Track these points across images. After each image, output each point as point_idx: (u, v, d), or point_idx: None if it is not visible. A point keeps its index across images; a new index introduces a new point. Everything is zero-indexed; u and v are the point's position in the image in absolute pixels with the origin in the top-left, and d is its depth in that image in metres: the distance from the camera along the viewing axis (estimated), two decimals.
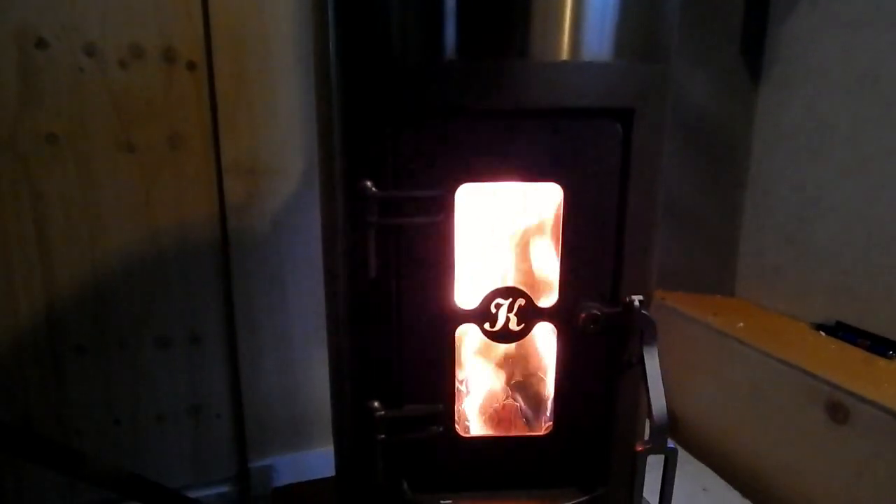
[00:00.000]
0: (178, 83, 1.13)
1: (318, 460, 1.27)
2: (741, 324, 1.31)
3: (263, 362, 1.27)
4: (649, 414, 0.65)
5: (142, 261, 1.17)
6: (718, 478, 1.25)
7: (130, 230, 1.15)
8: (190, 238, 1.19)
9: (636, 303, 0.67)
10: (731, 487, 1.23)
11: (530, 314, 0.69)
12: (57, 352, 1.14)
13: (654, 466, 0.69)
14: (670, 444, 0.67)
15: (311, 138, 1.22)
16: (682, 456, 1.33)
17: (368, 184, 0.64)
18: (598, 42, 0.64)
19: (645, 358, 0.66)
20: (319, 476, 1.24)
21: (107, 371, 1.17)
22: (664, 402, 0.65)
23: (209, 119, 1.16)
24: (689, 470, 1.28)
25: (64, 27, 1.05)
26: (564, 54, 0.64)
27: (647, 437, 0.67)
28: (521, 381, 0.80)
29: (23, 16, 1.03)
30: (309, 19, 0.79)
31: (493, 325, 0.68)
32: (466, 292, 0.70)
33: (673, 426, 1.42)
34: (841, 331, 1.25)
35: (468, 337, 0.77)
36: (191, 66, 1.14)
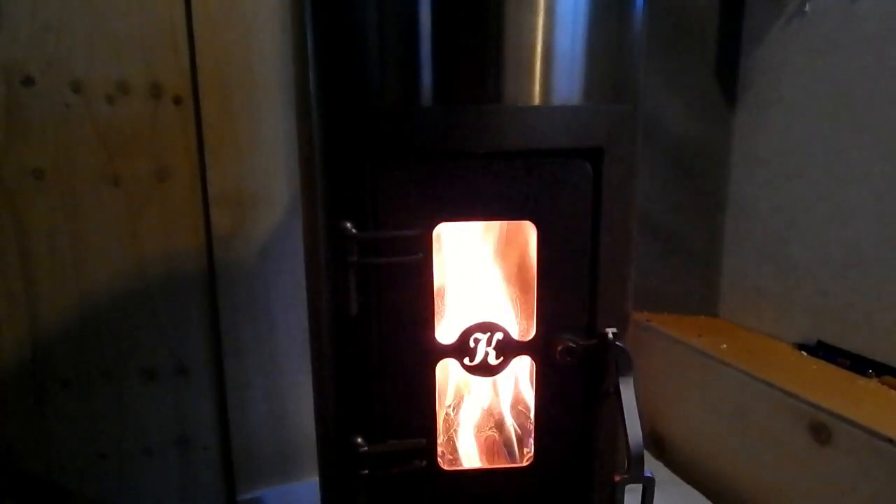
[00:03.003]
0: (165, 117, 1.15)
1: (307, 492, 1.26)
2: (724, 345, 1.33)
3: (251, 393, 1.27)
4: (626, 444, 0.66)
5: (128, 293, 1.17)
6: (705, 499, 1.26)
7: (116, 262, 1.15)
8: (176, 269, 1.20)
9: (610, 335, 0.68)
10: None
11: (508, 348, 0.70)
12: (41, 385, 1.13)
13: (638, 492, 0.70)
14: (647, 472, 0.68)
15: (297, 170, 1.24)
16: (669, 478, 1.33)
17: (348, 224, 0.66)
18: (568, 87, 0.67)
19: (621, 389, 0.67)
20: None
21: (92, 404, 1.17)
22: (640, 432, 0.66)
23: (195, 152, 1.18)
24: (676, 492, 1.28)
25: (50, 64, 1.07)
26: (536, 99, 0.66)
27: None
28: (501, 413, 0.81)
29: (10, 53, 1.04)
30: (292, 58, 0.81)
31: (471, 360, 0.70)
32: (446, 327, 0.72)
33: (659, 447, 1.42)
34: (822, 350, 1.27)
35: (449, 371, 0.78)
36: (177, 100, 1.15)
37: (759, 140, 1.40)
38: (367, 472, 0.69)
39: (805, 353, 1.29)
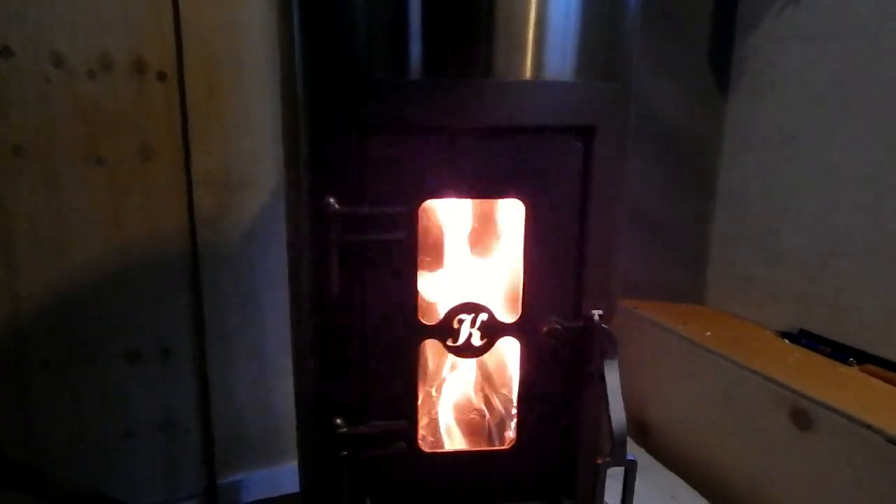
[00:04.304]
0: (149, 94, 1.12)
1: (289, 475, 1.26)
2: (709, 332, 1.34)
3: (235, 376, 1.26)
4: (609, 427, 0.66)
5: (110, 274, 1.15)
6: (687, 486, 1.27)
7: (99, 243, 1.13)
8: (160, 251, 1.18)
9: (596, 317, 0.68)
10: (699, 495, 1.24)
11: (493, 329, 0.69)
12: (21, 368, 1.12)
13: (621, 476, 0.70)
14: (630, 455, 0.68)
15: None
16: (652, 464, 1.34)
17: (332, 200, 0.64)
18: (560, 62, 0.66)
19: (605, 372, 0.67)
20: (291, 491, 1.23)
21: (73, 387, 1.15)
22: (623, 415, 0.66)
23: (180, 131, 1.15)
24: (659, 478, 1.29)
25: (30, 37, 1.04)
26: (527, 74, 0.65)
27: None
28: (484, 395, 0.80)
29: None
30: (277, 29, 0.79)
31: (455, 341, 0.69)
32: (429, 307, 0.71)
33: (644, 434, 1.43)
34: (804, 338, 1.27)
35: (432, 352, 0.77)
36: (161, 76, 1.13)
37: (751, 127, 1.40)
38: (346, 453, 0.68)
39: (787, 341, 1.29)
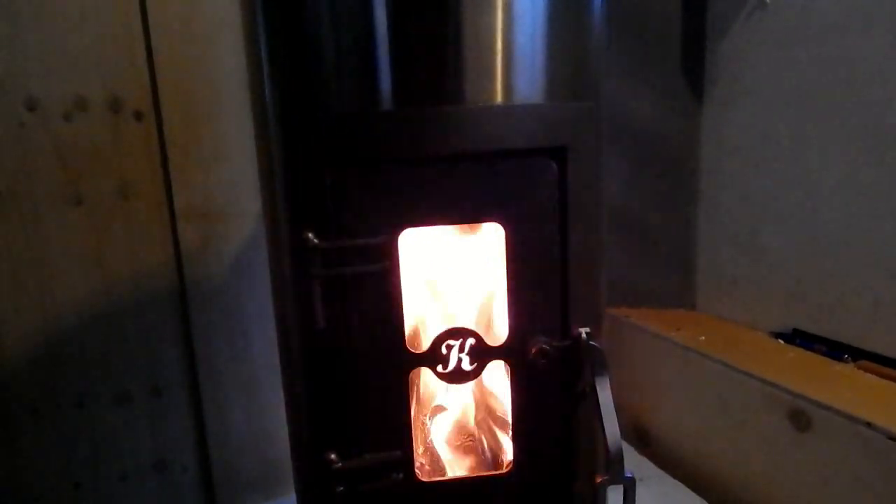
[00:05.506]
0: (126, 133, 1.12)
1: None
2: (702, 337, 1.34)
3: (230, 411, 1.24)
4: (604, 445, 0.65)
5: (96, 315, 1.14)
6: (690, 492, 1.26)
7: (83, 284, 1.12)
8: (146, 288, 1.17)
9: (584, 335, 0.68)
10: (704, 502, 1.23)
11: (482, 353, 0.69)
12: (9, 415, 1.10)
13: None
14: (629, 473, 0.67)
15: None
16: (653, 472, 1.33)
17: (310, 235, 0.64)
18: (529, 85, 0.66)
19: (597, 389, 0.66)
20: None
21: (64, 433, 1.13)
22: (618, 432, 0.65)
23: (159, 166, 1.15)
24: (661, 486, 1.28)
25: (2, 81, 1.04)
26: (497, 98, 0.65)
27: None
28: (480, 419, 0.80)
29: None
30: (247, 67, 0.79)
31: (445, 367, 0.68)
32: (417, 335, 0.70)
33: (644, 441, 1.42)
34: (798, 338, 1.28)
35: (423, 380, 0.77)
36: (138, 115, 1.13)
37: (727, 132, 1.41)
38: (342, 488, 0.67)
39: (782, 342, 1.30)
